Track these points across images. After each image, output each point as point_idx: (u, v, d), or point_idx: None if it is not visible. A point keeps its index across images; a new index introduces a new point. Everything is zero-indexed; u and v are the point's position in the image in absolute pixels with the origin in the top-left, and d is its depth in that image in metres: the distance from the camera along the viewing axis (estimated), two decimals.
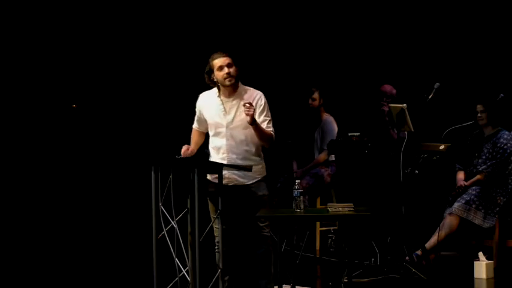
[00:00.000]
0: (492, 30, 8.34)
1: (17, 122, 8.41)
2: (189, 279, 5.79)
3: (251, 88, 5.91)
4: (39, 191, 8.41)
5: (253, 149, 5.86)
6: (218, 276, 5.92)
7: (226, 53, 5.84)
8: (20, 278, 7.16)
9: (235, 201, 5.88)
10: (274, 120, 5.95)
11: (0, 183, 8.30)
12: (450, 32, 8.51)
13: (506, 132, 7.27)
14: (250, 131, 5.79)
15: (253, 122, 5.70)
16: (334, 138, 7.77)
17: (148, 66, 8.76)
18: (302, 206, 5.61)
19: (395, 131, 7.00)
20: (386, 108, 7.65)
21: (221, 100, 5.88)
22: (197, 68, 8.81)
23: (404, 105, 6.79)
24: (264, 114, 5.83)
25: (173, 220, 5.89)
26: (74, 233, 8.34)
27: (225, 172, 5.83)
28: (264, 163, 5.94)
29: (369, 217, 5.48)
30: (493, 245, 7.15)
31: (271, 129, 5.84)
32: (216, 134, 5.92)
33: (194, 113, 6.12)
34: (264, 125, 5.80)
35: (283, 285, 5.68)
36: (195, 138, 6.12)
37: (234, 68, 5.81)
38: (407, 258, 6.86)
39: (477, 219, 7.11)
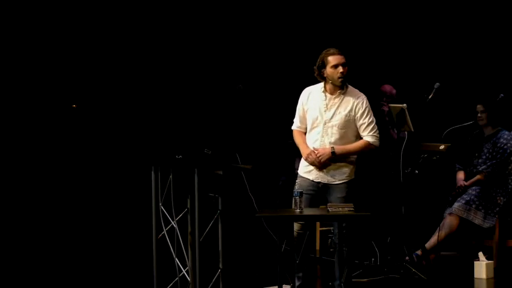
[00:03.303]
0: (492, 30, 8.34)
1: (17, 122, 8.40)
2: (189, 279, 5.79)
3: (356, 90, 5.95)
4: (39, 191, 8.41)
5: None
6: (218, 276, 5.92)
7: (341, 52, 5.88)
8: (20, 278, 7.16)
9: (320, 199, 5.91)
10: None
11: (0, 183, 8.29)
12: (450, 32, 8.51)
13: (506, 132, 7.27)
14: (347, 131, 5.86)
15: (333, 155, 5.80)
16: None
17: (148, 67, 8.75)
18: (302, 206, 5.61)
19: (395, 131, 7.00)
20: (386, 108, 7.65)
21: (325, 96, 5.91)
22: (196, 68, 8.83)
23: (404, 105, 6.79)
24: (363, 118, 5.87)
25: (173, 220, 5.89)
26: (74, 233, 8.34)
27: (312, 167, 5.90)
28: (353, 166, 5.94)
29: (369, 217, 5.48)
30: (493, 245, 7.15)
31: (367, 132, 5.87)
32: (312, 130, 5.94)
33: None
34: (362, 129, 5.85)
35: (283, 285, 5.67)
36: (303, 139, 6.02)
37: (346, 67, 5.86)
38: (407, 258, 6.86)
39: (477, 219, 7.11)
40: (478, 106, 7.32)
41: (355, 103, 5.87)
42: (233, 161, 6.53)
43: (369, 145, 5.88)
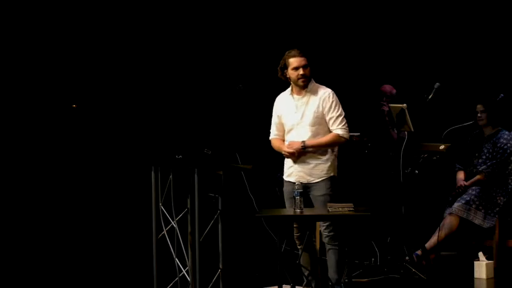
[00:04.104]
0: (492, 30, 8.34)
1: (17, 122, 8.40)
2: (189, 279, 5.79)
3: (322, 86, 6.01)
4: (39, 191, 8.41)
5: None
6: (218, 276, 5.92)
7: (302, 53, 5.93)
8: (20, 278, 7.16)
9: (306, 200, 5.92)
10: None
11: (0, 183, 8.29)
12: (450, 32, 8.51)
13: (506, 132, 7.27)
14: (318, 128, 5.92)
15: (304, 148, 5.87)
16: None
17: (148, 67, 8.75)
18: (302, 206, 5.61)
19: (396, 131, 7.00)
20: (386, 108, 7.65)
21: (293, 97, 6.00)
22: (196, 68, 8.83)
23: (404, 105, 6.80)
24: (331, 112, 5.92)
25: (173, 220, 5.89)
26: (74, 233, 8.34)
27: (292, 170, 5.96)
28: (333, 162, 5.98)
29: (369, 217, 5.48)
30: (493, 245, 7.15)
31: (336, 126, 5.92)
32: (289, 133, 6.01)
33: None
34: (330, 123, 5.90)
35: (283, 285, 5.68)
36: (280, 142, 6.07)
37: (308, 68, 5.93)
38: (407, 258, 6.86)
39: (477, 219, 7.11)
40: (478, 106, 7.32)
41: (321, 98, 5.94)
42: (233, 161, 6.54)
43: (338, 138, 5.93)
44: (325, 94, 5.94)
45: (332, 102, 5.92)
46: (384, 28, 8.76)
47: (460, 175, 7.40)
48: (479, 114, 7.30)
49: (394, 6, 8.70)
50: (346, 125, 5.96)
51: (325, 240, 5.94)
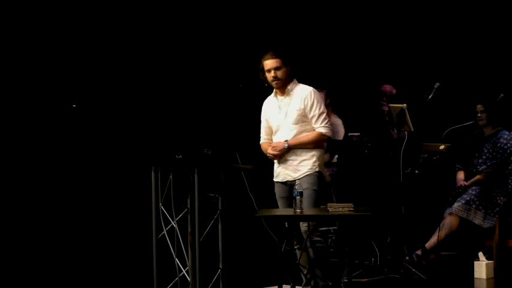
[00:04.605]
0: (492, 30, 8.34)
1: (17, 122, 8.40)
2: (189, 279, 5.79)
3: (304, 85, 6.02)
4: (39, 191, 8.41)
5: None
6: (218, 276, 5.92)
7: (275, 55, 5.94)
8: (20, 278, 7.16)
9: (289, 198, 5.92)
10: None
11: (0, 183, 8.29)
12: (450, 32, 8.51)
13: (506, 132, 7.27)
14: (301, 126, 5.94)
15: (288, 147, 5.91)
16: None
17: (148, 67, 8.75)
18: (302, 206, 5.61)
19: (395, 131, 6.99)
20: (386, 108, 7.65)
21: (277, 99, 6.05)
22: (196, 68, 8.83)
23: (404, 105, 6.80)
24: (313, 110, 5.94)
25: (173, 220, 5.90)
26: (74, 233, 8.34)
27: (279, 170, 6.01)
28: (319, 158, 5.98)
29: (369, 217, 5.48)
30: (493, 245, 7.15)
31: (319, 124, 5.93)
32: (276, 134, 6.05)
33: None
34: (313, 121, 5.92)
35: (283, 285, 5.68)
36: (269, 144, 6.12)
37: (282, 70, 5.94)
38: (407, 258, 6.86)
39: (477, 219, 7.11)
40: (478, 106, 7.32)
41: (303, 97, 5.96)
42: (233, 161, 6.54)
43: (321, 136, 5.96)
44: (306, 92, 5.97)
45: (314, 99, 5.94)
46: (383, 28, 8.77)
47: (460, 175, 7.40)
48: (479, 114, 7.30)
49: (394, 6, 8.71)
50: (329, 122, 6.00)
51: (305, 235, 5.92)
